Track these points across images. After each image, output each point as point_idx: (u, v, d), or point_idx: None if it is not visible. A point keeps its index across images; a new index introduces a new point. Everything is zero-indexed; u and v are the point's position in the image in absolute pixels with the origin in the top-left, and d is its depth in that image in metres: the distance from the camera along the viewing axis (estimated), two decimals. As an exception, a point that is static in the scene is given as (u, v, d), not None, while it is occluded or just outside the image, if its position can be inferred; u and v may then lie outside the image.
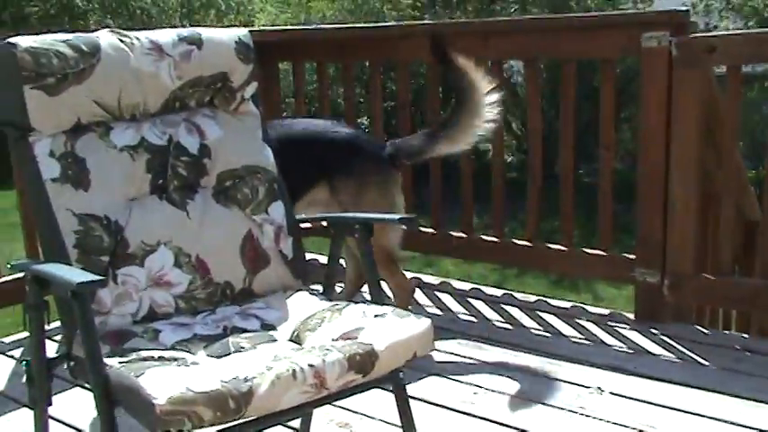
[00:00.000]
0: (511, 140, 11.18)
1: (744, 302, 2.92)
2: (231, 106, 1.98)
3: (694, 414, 2.17)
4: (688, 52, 2.57)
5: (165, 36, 1.88)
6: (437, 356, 2.58)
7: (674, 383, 2.37)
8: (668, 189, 2.72)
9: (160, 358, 1.51)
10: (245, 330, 1.71)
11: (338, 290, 2.94)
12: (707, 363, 2.52)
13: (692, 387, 2.33)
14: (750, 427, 2.09)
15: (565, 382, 2.41)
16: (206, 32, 1.93)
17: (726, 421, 2.12)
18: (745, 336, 3.07)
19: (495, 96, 2.57)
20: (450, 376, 2.47)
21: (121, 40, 1.81)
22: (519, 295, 3.24)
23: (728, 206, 2.76)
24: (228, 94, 1.97)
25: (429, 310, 3.11)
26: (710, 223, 3.01)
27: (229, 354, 1.59)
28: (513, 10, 8.21)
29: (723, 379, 2.39)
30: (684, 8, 2.63)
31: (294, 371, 1.39)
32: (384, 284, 2.43)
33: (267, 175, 1.97)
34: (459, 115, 2.60)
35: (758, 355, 2.57)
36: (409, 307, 2.36)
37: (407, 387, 1.70)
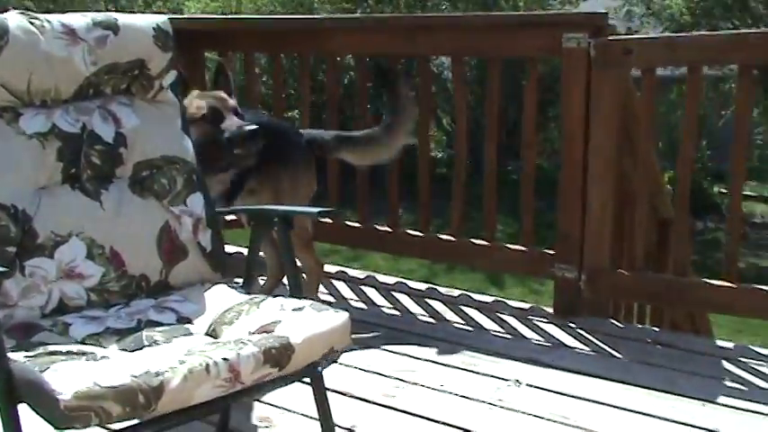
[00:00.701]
0: (441, 136, 11.31)
1: (656, 297, 3.03)
2: (149, 94, 1.94)
3: (605, 404, 2.24)
4: (605, 53, 2.64)
5: (79, 20, 1.82)
6: (360, 350, 2.59)
7: (588, 375, 2.43)
8: (586, 187, 2.79)
9: (68, 352, 1.47)
10: (159, 324, 1.67)
11: (263, 282, 2.92)
12: (619, 355, 2.60)
13: (605, 379, 2.40)
14: (655, 416, 2.16)
15: (485, 375, 2.45)
16: (122, 18, 1.88)
17: (633, 411, 2.19)
18: (656, 329, 3.18)
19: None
20: (373, 370, 2.47)
21: (31, 23, 1.75)
22: (443, 289, 3.27)
23: (643, 205, 2.85)
24: (146, 82, 1.92)
25: (354, 303, 3.11)
26: (627, 221, 3.11)
27: (142, 348, 1.55)
28: (443, 7, 8.29)
29: (633, 371, 2.47)
30: (603, 11, 2.71)
31: (208, 365, 1.37)
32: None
33: (186, 165, 1.93)
34: (373, 142, 2.83)
35: (667, 348, 2.67)
36: (319, 294, 2.43)
37: (330, 380, 1.70)
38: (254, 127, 2.20)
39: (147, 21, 1.93)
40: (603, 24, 2.68)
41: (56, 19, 1.79)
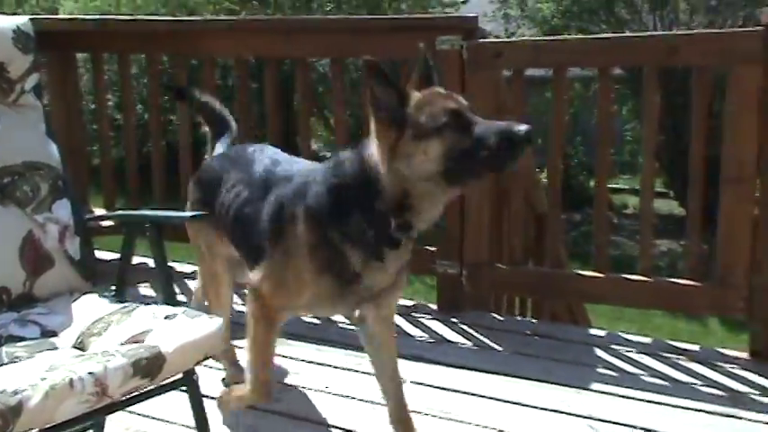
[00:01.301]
0: (329, 136, 11.32)
1: (533, 290, 3.15)
2: (9, 98, 1.85)
3: (485, 397, 2.30)
4: (477, 56, 2.72)
5: (-74, 20, 1.71)
6: (242, 355, 2.54)
7: (470, 369, 2.50)
8: (464, 185, 2.86)
9: None
10: (22, 338, 1.60)
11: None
12: (500, 348, 2.68)
13: (486, 372, 2.47)
14: (533, 406, 2.25)
15: (369, 374, 2.45)
16: (-23, 19, 1.78)
17: (512, 402, 2.27)
18: (534, 321, 3.30)
19: None
20: (256, 375, 2.44)
21: None
22: (329, 291, 3.26)
23: (517, 201, 2.95)
24: (6, 86, 1.84)
25: (237, 307, 3.05)
26: (505, 217, 3.21)
27: (2, 365, 1.47)
28: (328, 8, 8.32)
29: (513, 362, 2.55)
30: (474, 15, 2.78)
31: (72, 380, 1.31)
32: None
33: (51, 171, 1.86)
34: None
35: (545, 339, 2.78)
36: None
37: (209, 387, 1.66)
38: (527, 126, 1.61)
39: (6, 22, 1.84)
40: (475, 28, 2.76)
41: None
